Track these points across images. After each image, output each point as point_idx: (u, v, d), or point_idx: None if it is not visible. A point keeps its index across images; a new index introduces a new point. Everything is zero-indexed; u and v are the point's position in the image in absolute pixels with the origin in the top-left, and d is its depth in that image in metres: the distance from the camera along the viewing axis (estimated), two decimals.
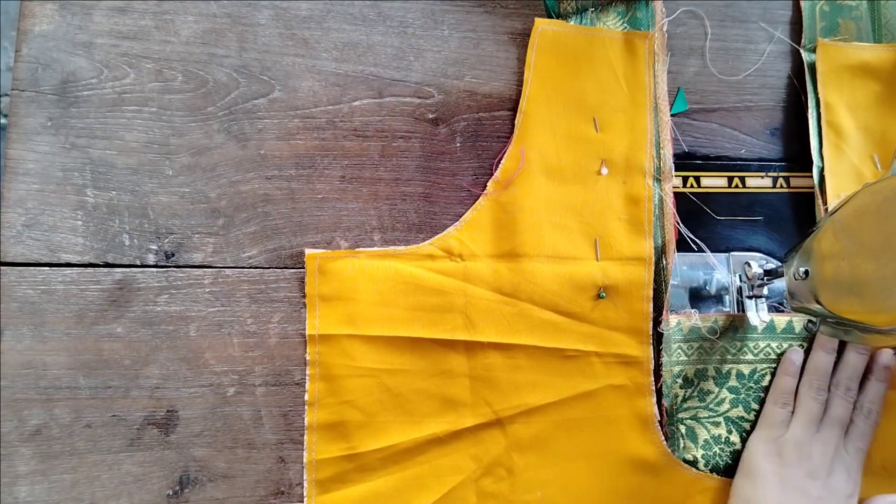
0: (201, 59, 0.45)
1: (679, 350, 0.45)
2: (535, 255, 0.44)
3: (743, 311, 0.46)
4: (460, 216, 0.46)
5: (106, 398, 0.42)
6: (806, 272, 0.39)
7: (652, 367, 0.45)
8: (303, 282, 0.44)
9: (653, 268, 0.45)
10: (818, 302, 0.38)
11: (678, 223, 0.46)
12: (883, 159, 0.49)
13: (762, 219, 0.49)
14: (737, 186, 0.49)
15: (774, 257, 0.48)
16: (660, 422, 0.45)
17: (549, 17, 0.48)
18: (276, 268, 0.44)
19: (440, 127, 0.47)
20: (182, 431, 0.42)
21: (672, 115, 0.48)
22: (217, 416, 0.42)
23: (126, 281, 0.43)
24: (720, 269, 0.47)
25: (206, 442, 0.42)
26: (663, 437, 0.44)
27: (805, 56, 0.50)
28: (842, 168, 0.48)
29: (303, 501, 0.43)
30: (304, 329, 0.44)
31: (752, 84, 0.50)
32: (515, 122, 0.46)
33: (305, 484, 0.42)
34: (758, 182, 0.49)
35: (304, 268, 0.44)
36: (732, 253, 0.48)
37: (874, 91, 0.50)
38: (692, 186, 0.48)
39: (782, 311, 0.47)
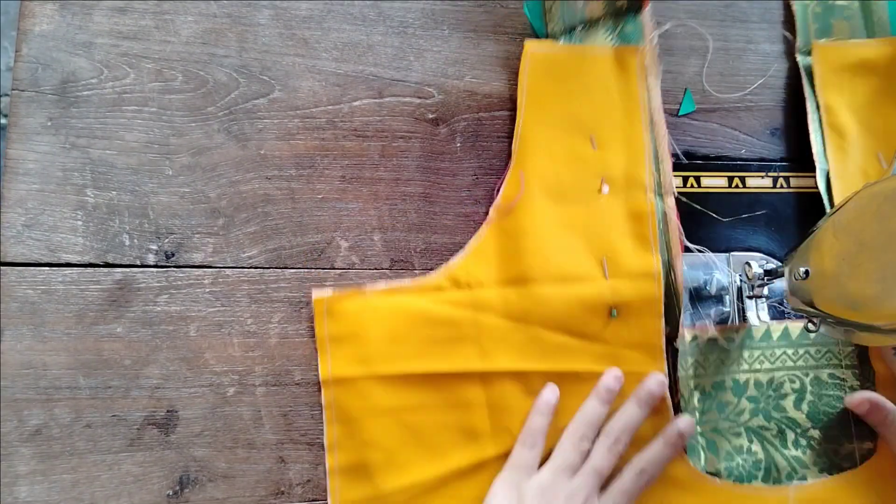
0: (201, 59, 0.45)
1: (695, 364, 0.45)
2: (543, 279, 0.43)
3: (744, 312, 0.46)
4: (460, 216, 0.46)
5: (106, 398, 0.42)
6: (806, 272, 0.39)
7: (667, 382, 0.44)
8: (303, 282, 0.44)
9: (662, 283, 0.44)
10: (818, 302, 0.38)
11: (682, 237, 0.45)
12: (887, 156, 0.48)
13: (762, 219, 0.49)
14: (737, 186, 0.49)
15: (774, 257, 0.48)
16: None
17: (538, 38, 0.47)
18: (277, 268, 0.44)
19: (440, 127, 0.47)
20: (182, 431, 0.42)
21: (678, 116, 0.48)
22: (217, 416, 0.42)
23: (126, 281, 0.43)
24: (721, 270, 0.47)
25: (206, 442, 0.42)
26: (685, 451, 0.44)
27: (800, 60, 0.50)
28: (847, 170, 0.48)
29: (305, 502, 0.43)
30: (304, 329, 0.44)
31: (752, 84, 0.50)
32: (512, 147, 0.46)
33: None
34: (758, 182, 0.49)
35: (304, 268, 0.44)
36: (732, 253, 0.48)
37: (873, 88, 0.49)
38: (692, 186, 0.48)
39: (797, 319, 0.47)
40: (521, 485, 0.41)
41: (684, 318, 0.45)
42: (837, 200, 0.47)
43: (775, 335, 0.46)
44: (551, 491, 0.40)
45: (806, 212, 0.49)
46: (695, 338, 0.45)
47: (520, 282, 0.44)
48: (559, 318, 0.43)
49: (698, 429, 0.44)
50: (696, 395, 0.45)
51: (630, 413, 0.42)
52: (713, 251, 0.47)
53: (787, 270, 0.41)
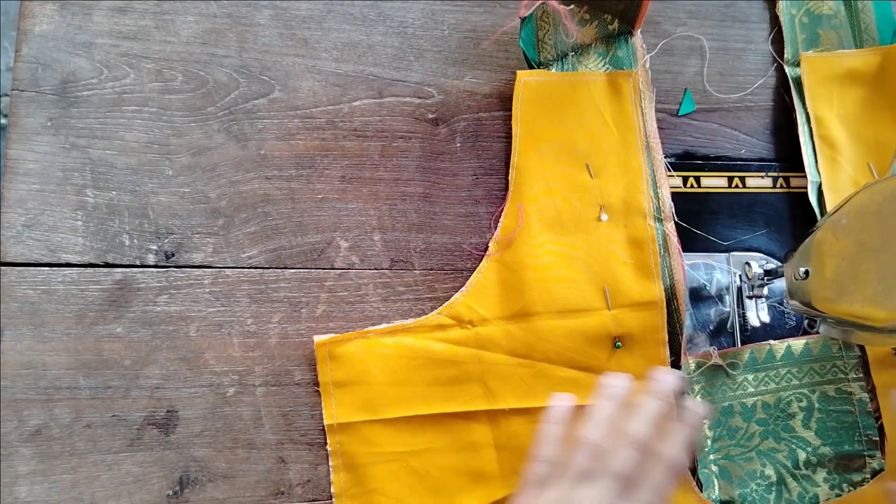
0: (201, 59, 0.45)
1: (702, 391, 0.45)
2: (546, 312, 0.43)
3: (744, 312, 0.46)
4: (460, 216, 0.46)
5: (106, 398, 0.42)
6: (806, 272, 0.39)
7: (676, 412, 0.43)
8: (303, 282, 0.44)
9: (665, 310, 0.44)
10: (818, 302, 0.38)
11: (684, 263, 0.45)
12: (878, 166, 0.48)
13: (762, 219, 0.49)
14: (737, 186, 0.49)
15: (774, 257, 0.48)
16: (690, 468, 0.44)
17: (531, 67, 0.47)
18: (276, 268, 0.44)
19: (440, 127, 0.47)
20: (182, 431, 0.42)
21: (679, 116, 0.48)
22: (217, 416, 0.42)
23: (126, 281, 0.43)
24: (720, 270, 0.47)
25: (206, 442, 0.42)
26: (695, 483, 0.43)
27: (789, 71, 0.50)
28: (839, 181, 0.48)
29: (305, 502, 0.43)
30: (304, 329, 0.44)
31: (752, 84, 0.50)
32: (509, 178, 0.45)
33: None
34: (758, 182, 0.49)
35: (303, 268, 0.44)
36: (732, 253, 0.48)
37: (862, 97, 0.49)
38: (692, 186, 0.48)
39: (798, 337, 0.46)
40: (537, 500, 0.37)
41: (686, 345, 0.45)
42: (829, 212, 0.47)
43: (778, 354, 0.46)
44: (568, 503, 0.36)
45: (806, 212, 0.49)
46: (699, 365, 0.45)
47: (522, 316, 0.43)
48: (564, 352, 0.43)
49: (711, 457, 0.44)
50: (706, 423, 0.44)
51: (648, 407, 0.38)
52: (713, 251, 0.47)
53: (786, 270, 0.41)
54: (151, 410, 0.42)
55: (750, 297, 0.46)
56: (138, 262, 0.43)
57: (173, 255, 0.43)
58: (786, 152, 0.50)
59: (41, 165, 0.43)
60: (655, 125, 0.47)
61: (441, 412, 0.42)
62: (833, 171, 0.48)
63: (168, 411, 0.42)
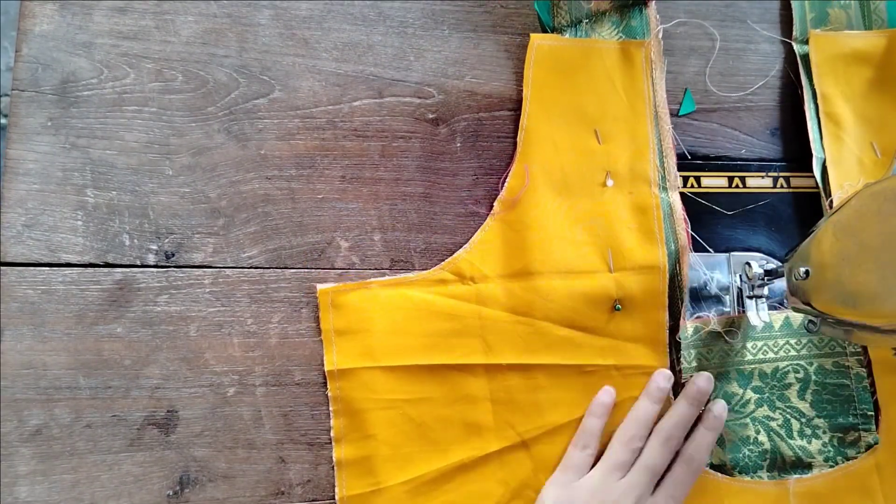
0: (201, 59, 0.45)
1: (699, 356, 0.45)
2: (548, 272, 0.44)
3: (744, 312, 0.46)
4: (460, 216, 0.46)
5: (106, 398, 0.42)
6: (806, 272, 0.39)
7: (673, 377, 0.44)
8: (303, 282, 0.44)
9: (667, 276, 0.44)
10: (818, 302, 0.38)
11: (689, 230, 0.45)
12: (882, 146, 0.48)
13: (762, 219, 0.49)
14: (737, 186, 0.49)
15: (775, 257, 0.48)
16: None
17: (544, 31, 0.48)
18: (277, 268, 0.44)
19: (440, 127, 0.47)
20: (182, 431, 0.42)
21: (679, 116, 0.48)
22: (217, 416, 0.42)
23: (126, 281, 0.43)
24: (721, 269, 0.47)
25: (207, 442, 0.42)
26: None
27: (797, 48, 0.50)
28: (843, 157, 0.48)
29: (305, 502, 0.43)
30: (304, 329, 0.44)
31: (752, 84, 0.50)
32: (517, 139, 0.46)
33: None
34: (758, 182, 0.49)
35: (304, 268, 0.44)
36: (732, 253, 0.48)
37: (868, 78, 0.50)
38: (693, 186, 0.48)
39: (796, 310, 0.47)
40: (571, 485, 0.41)
41: (686, 310, 0.45)
42: (833, 188, 0.47)
43: (777, 325, 0.46)
44: (602, 490, 0.40)
45: (806, 212, 0.49)
46: (697, 330, 0.45)
47: (524, 275, 0.44)
48: (563, 311, 0.44)
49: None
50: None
51: (681, 411, 0.42)
52: (713, 251, 0.47)
53: (787, 270, 0.41)
54: (151, 410, 0.42)
55: (750, 297, 0.46)
56: (138, 262, 0.43)
57: (173, 255, 0.43)
58: (786, 152, 0.50)
59: (41, 165, 0.43)
60: (665, 95, 0.47)
61: (439, 363, 0.43)
62: (837, 147, 0.48)
63: (168, 411, 0.42)
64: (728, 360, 0.45)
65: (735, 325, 0.46)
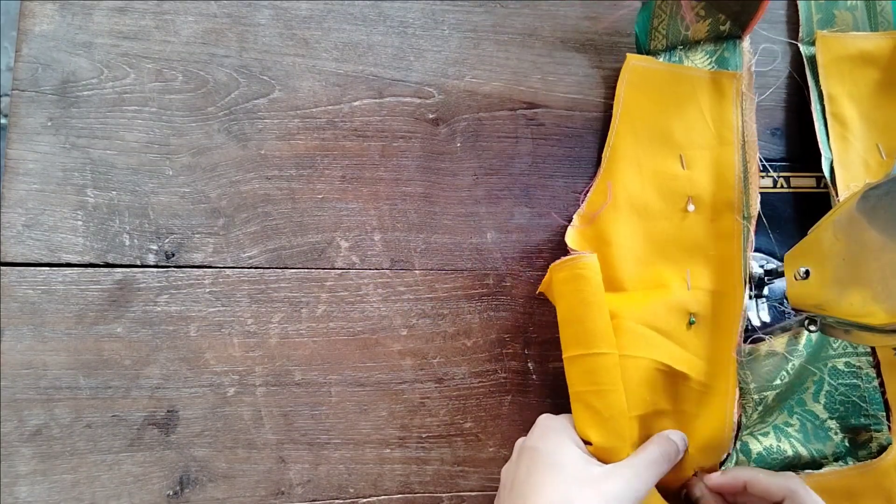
0: (201, 59, 0.45)
1: (748, 370, 0.44)
2: (624, 288, 0.44)
3: (744, 312, 0.46)
4: (460, 216, 0.46)
5: (106, 398, 0.42)
6: (807, 272, 0.39)
7: (736, 397, 0.43)
8: (303, 282, 0.44)
9: (744, 303, 0.44)
10: (818, 301, 0.38)
11: (751, 259, 0.45)
12: (887, 147, 0.48)
13: (762, 219, 0.49)
14: None
15: (774, 257, 0.48)
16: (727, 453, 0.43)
17: (640, 52, 0.48)
18: (277, 268, 0.44)
19: (440, 127, 0.47)
20: (182, 431, 0.42)
21: None
22: (217, 416, 0.42)
23: (126, 281, 0.43)
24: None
25: (207, 442, 0.42)
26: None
27: (804, 50, 0.50)
28: (850, 158, 0.48)
29: (305, 502, 0.43)
30: (304, 329, 0.44)
31: (753, 84, 0.50)
32: (602, 155, 0.46)
33: None
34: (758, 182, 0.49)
35: (304, 268, 0.44)
36: None
37: (874, 79, 0.50)
38: None
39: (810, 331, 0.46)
40: None
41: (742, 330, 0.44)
42: (841, 189, 0.47)
43: (814, 337, 0.45)
44: None
45: (806, 212, 0.49)
46: (751, 352, 0.44)
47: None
48: (643, 314, 0.43)
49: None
50: (759, 409, 0.44)
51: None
52: None
53: (787, 270, 0.41)
54: (152, 410, 0.42)
55: (750, 297, 0.46)
56: (138, 262, 0.43)
57: (173, 255, 0.43)
58: (787, 152, 0.50)
59: (41, 165, 0.43)
60: (755, 127, 0.47)
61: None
62: (844, 148, 0.48)
63: (168, 411, 0.42)
64: (774, 375, 0.44)
65: (796, 345, 0.44)
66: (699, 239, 0.45)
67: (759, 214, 0.46)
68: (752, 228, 0.46)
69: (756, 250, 0.48)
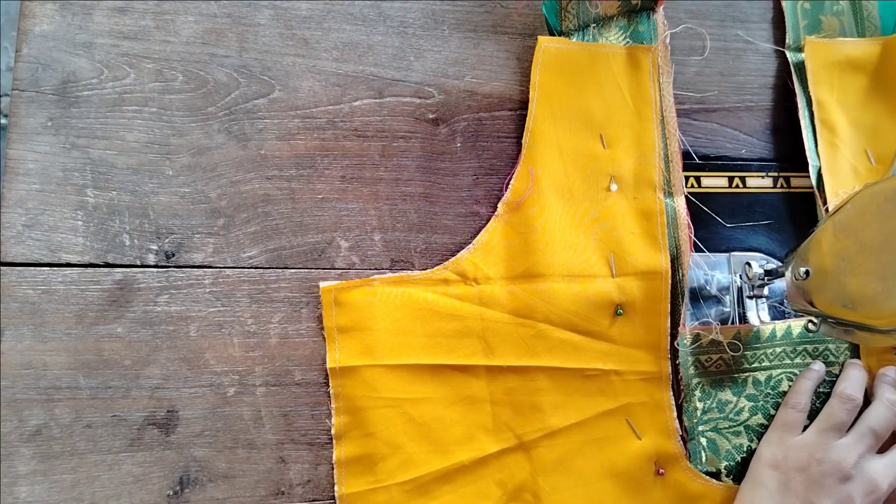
0: (201, 59, 0.45)
1: (697, 363, 0.45)
2: (550, 275, 0.44)
3: (744, 312, 0.46)
4: (460, 216, 0.46)
5: (106, 398, 0.42)
6: (807, 272, 0.39)
7: (671, 382, 0.44)
8: (303, 282, 0.44)
9: (669, 281, 0.44)
10: (818, 302, 0.38)
11: (692, 237, 0.45)
12: (876, 153, 0.48)
13: (762, 219, 0.49)
14: (737, 186, 0.49)
15: (775, 257, 0.48)
16: (682, 437, 0.44)
17: (552, 34, 0.47)
18: (277, 268, 0.44)
19: (440, 127, 0.47)
20: (182, 431, 0.42)
21: (679, 116, 0.48)
22: (217, 416, 0.42)
23: (126, 281, 0.43)
24: (721, 271, 0.47)
25: (207, 442, 0.42)
26: (685, 452, 0.44)
27: (790, 56, 0.50)
28: (838, 165, 0.48)
29: (305, 502, 0.43)
30: (304, 329, 0.44)
31: (752, 84, 0.50)
32: (522, 141, 0.46)
33: None
34: (758, 182, 0.49)
35: (304, 268, 0.44)
36: (733, 253, 0.48)
37: (862, 85, 0.50)
38: (692, 186, 0.48)
39: (798, 317, 0.47)
40: (785, 443, 0.41)
41: (687, 318, 0.45)
42: (829, 196, 0.47)
43: (779, 334, 0.46)
44: (821, 449, 0.39)
45: (806, 212, 0.49)
46: (696, 339, 0.45)
47: (527, 277, 0.44)
48: (565, 315, 0.44)
49: (700, 428, 0.44)
50: (697, 395, 0.45)
51: None
52: (713, 251, 0.47)
53: (787, 270, 0.41)
54: (152, 410, 0.42)
55: (750, 297, 0.46)
56: (138, 262, 0.43)
57: (173, 255, 0.43)
58: (786, 152, 0.50)
59: (41, 165, 0.43)
60: (672, 100, 0.47)
61: (440, 363, 0.43)
62: (832, 155, 0.48)
63: (168, 411, 0.42)
64: (724, 368, 0.45)
65: (739, 337, 0.45)
66: (623, 218, 0.45)
67: (687, 196, 0.46)
68: (683, 205, 0.46)
69: (756, 250, 0.48)
